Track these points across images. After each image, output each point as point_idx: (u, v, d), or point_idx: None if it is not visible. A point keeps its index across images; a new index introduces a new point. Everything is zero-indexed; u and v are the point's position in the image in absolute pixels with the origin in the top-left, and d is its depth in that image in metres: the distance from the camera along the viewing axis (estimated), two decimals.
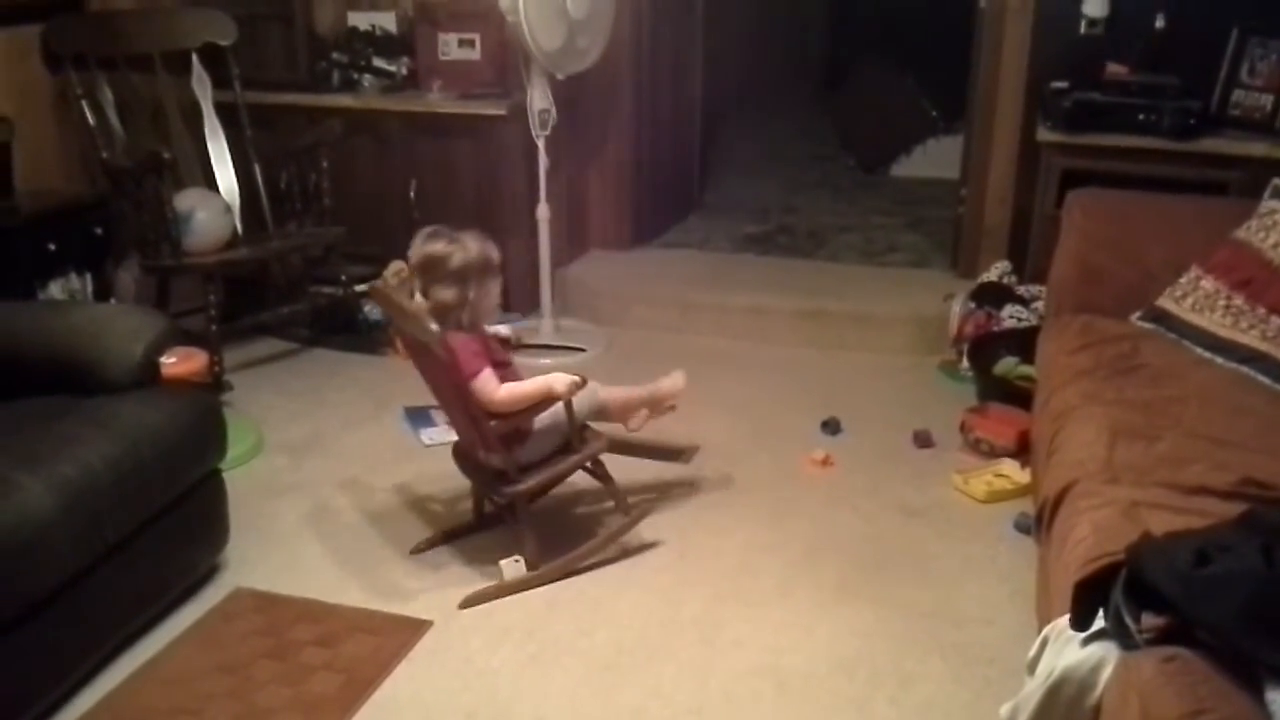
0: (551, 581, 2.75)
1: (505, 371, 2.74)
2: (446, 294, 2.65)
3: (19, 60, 3.96)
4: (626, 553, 2.88)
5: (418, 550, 2.89)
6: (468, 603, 2.67)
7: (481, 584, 2.72)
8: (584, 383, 2.72)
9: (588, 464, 2.85)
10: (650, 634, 2.57)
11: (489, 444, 2.67)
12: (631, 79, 4.69)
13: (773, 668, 2.45)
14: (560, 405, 2.70)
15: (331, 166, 4.07)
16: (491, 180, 4.34)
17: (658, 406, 3.09)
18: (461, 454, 2.89)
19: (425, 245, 2.69)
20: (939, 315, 4.14)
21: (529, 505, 2.77)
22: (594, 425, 2.91)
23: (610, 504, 2.93)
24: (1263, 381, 2.71)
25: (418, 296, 2.71)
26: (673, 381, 3.10)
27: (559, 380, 2.68)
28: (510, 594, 2.71)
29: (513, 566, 2.74)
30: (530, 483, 2.71)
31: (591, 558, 2.81)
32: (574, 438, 2.78)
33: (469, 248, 2.67)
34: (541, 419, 2.72)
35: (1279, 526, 1.69)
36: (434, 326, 2.56)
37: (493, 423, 2.65)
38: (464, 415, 2.72)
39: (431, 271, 2.66)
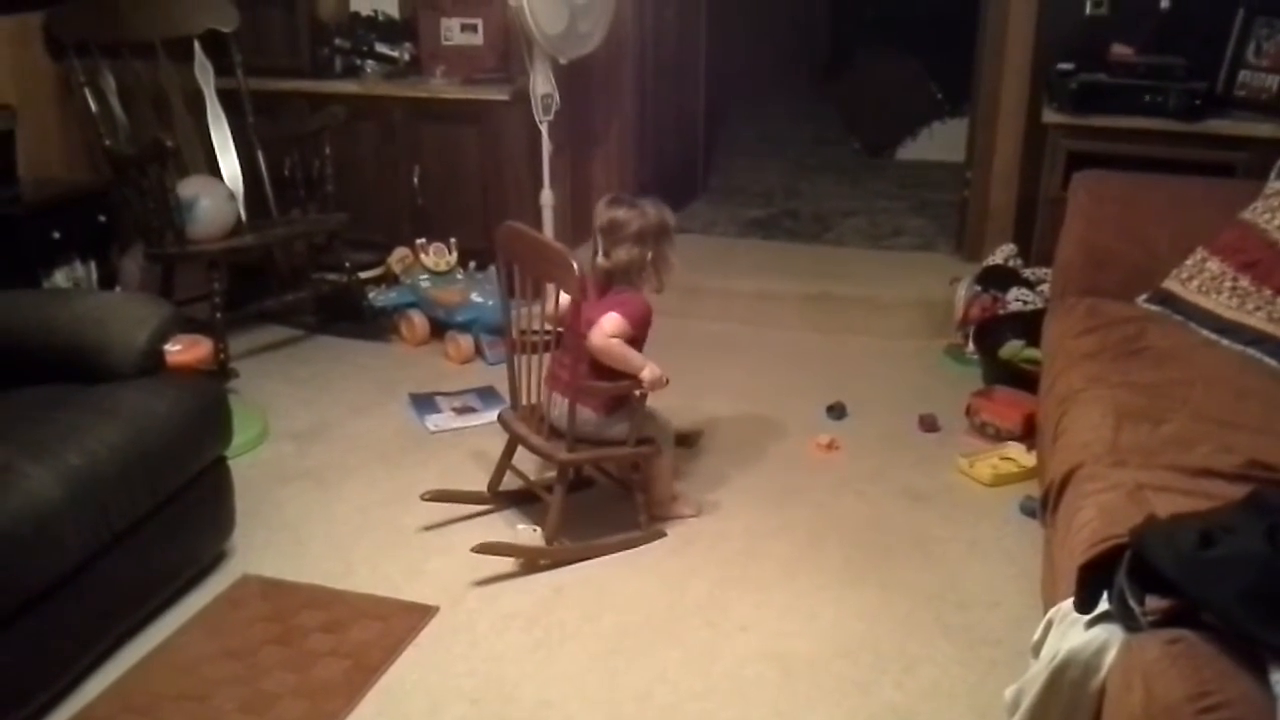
0: (560, 563, 2.77)
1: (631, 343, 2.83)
2: (626, 255, 2.81)
3: (21, 48, 3.96)
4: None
5: (428, 498, 2.95)
6: (481, 549, 2.71)
7: (489, 570, 2.72)
8: (666, 383, 2.81)
9: (629, 466, 2.92)
10: (656, 619, 2.58)
11: (581, 392, 2.74)
12: (634, 63, 4.68)
13: (778, 652, 2.45)
14: (638, 396, 2.81)
15: (334, 153, 4.06)
16: (495, 165, 4.32)
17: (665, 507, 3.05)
18: (519, 417, 2.92)
19: (608, 211, 2.86)
20: (944, 299, 4.14)
21: (567, 485, 2.82)
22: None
23: (635, 511, 2.92)
24: (1269, 363, 2.70)
25: (599, 258, 2.86)
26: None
27: (653, 369, 2.79)
28: (522, 558, 2.75)
29: (530, 534, 2.80)
30: (580, 455, 2.81)
31: (601, 554, 2.82)
32: (632, 433, 2.82)
33: (647, 213, 2.85)
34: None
35: None
36: (574, 265, 2.60)
37: (603, 385, 2.77)
38: (573, 359, 2.77)
39: (613, 234, 2.83)
